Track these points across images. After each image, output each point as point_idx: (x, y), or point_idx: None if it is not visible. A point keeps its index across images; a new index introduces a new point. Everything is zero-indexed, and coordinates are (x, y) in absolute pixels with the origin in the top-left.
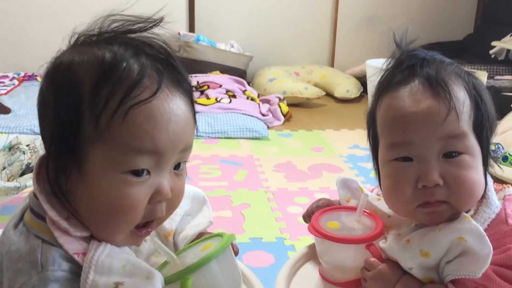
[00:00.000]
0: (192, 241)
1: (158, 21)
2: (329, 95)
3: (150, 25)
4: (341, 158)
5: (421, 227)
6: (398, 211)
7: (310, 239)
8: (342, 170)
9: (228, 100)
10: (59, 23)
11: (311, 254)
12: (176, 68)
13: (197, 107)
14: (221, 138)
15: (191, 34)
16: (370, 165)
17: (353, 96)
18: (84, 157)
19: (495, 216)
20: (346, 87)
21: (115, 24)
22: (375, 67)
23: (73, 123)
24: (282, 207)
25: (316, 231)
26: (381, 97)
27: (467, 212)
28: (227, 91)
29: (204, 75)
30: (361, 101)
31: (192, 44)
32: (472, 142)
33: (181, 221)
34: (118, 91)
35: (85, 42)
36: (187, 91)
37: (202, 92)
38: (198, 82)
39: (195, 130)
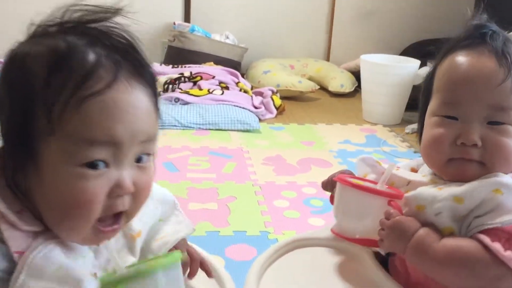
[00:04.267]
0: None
1: (118, 10)
2: (323, 89)
3: (110, 14)
4: (331, 153)
5: (453, 183)
6: (432, 162)
7: (295, 233)
8: (331, 164)
9: (221, 92)
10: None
11: (289, 248)
12: (137, 58)
13: (189, 98)
14: (212, 129)
15: (186, 24)
16: None
17: (347, 90)
18: (38, 153)
19: None
20: (340, 81)
21: (75, 14)
22: (370, 62)
23: (26, 118)
24: (268, 200)
25: (343, 180)
26: (446, 56)
27: None
28: (220, 82)
29: (197, 65)
30: (355, 96)
31: (186, 34)
32: None
33: (154, 226)
34: (70, 82)
35: (42, 33)
36: (149, 83)
37: (194, 83)
38: (191, 72)
39: (158, 121)
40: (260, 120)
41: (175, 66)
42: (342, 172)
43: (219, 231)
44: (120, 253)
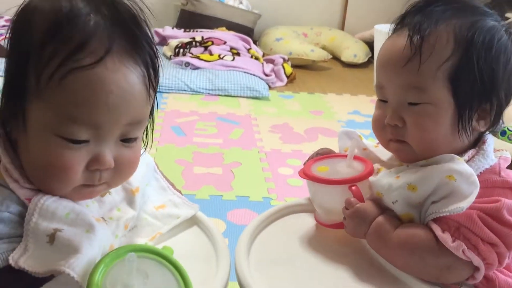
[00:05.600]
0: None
1: None
2: (336, 58)
3: None
4: (339, 123)
5: (412, 167)
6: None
7: (297, 199)
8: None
9: (231, 58)
10: None
11: (284, 213)
12: (136, 34)
13: (200, 63)
14: (221, 95)
15: None
16: (368, 131)
17: (360, 61)
18: (27, 111)
19: (489, 167)
20: (353, 51)
21: None
22: (384, 32)
23: (20, 75)
24: (273, 167)
25: (304, 173)
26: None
27: (460, 156)
28: (231, 48)
29: (209, 30)
30: (368, 67)
31: None
32: (440, 94)
33: (146, 190)
34: (61, 51)
35: None
36: (144, 62)
37: (205, 48)
38: (202, 37)
39: (149, 104)
40: (270, 87)
41: (187, 30)
42: (321, 152)
43: (222, 195)
44: (120, 204)
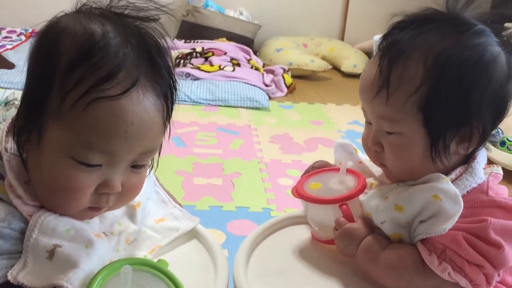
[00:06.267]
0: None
1: (159, 14)
2: (336, 69)
3: (151, 15)
4: (339, 133)
5: (401, 186)
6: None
7: (296, 210)
8: None
9: (232, 68)
10: None
11: (284, 225)
12: (160, 67)
13: (200, 74)
14: (221, 106)
15: None
16: None
17: (360, 71)
18: (43, 129)
19: (477, 186)
20: (353, 61)
21: (121, 3)
22: None
23: (42, 93)
24: (273, 178)
25: (296, 191)
26: None
27: (447, 176)
28: (232, 59)
29: (210, 41)
30: None
31: (200, 9)
32: (410, 124)
33: (147, 204)
34: (89, 78)
35: (88, 12)
36: (164, 95)
37: (206, 59)
38: (203, 48)
39: (163, 134)
40: (270, 98)
41: (188, 41)
42: (317, 165)
43: (222, 206)
44: (121, 219)
